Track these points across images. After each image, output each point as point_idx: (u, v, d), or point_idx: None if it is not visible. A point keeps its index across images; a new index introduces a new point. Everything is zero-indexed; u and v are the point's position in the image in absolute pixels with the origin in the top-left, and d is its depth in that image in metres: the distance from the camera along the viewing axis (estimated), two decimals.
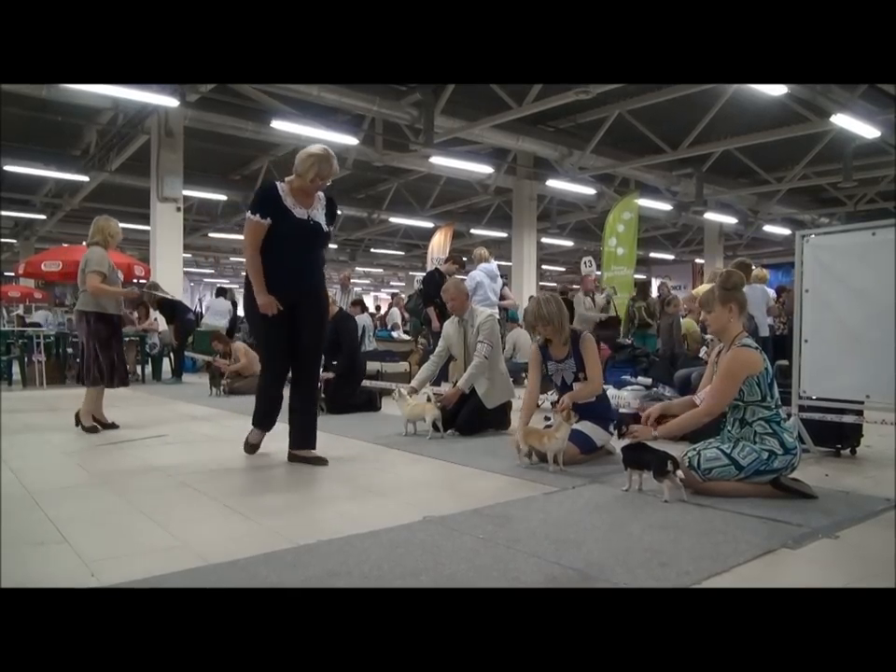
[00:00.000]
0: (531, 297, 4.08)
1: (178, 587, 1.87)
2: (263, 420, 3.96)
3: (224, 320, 10.96)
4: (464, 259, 8.36)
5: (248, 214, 3.64)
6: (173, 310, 9.31)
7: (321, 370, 6.30)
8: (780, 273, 16.89)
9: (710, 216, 16.59)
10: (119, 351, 5.02)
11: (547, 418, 4.44)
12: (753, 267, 6.93)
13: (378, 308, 16.08)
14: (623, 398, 5.21)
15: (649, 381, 5.72)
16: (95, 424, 4.85)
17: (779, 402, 3.10)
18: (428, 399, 4.70)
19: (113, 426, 4.97)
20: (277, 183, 3.76)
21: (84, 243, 5.07)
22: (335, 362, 6.22)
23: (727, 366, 3.03)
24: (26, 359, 8.80)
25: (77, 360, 8.77)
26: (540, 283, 22.29)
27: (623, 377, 5.83)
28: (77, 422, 4.88)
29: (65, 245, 14.78)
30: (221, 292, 11.87)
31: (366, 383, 6.68)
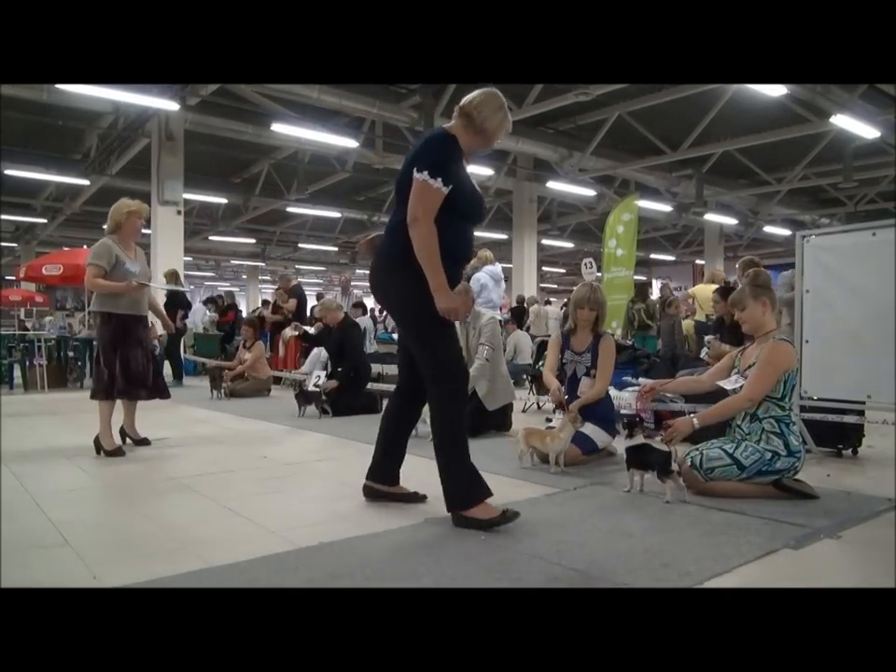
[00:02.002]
0: (583, 283, 4.12)
1: (180, 587, 1.86)
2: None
3: (198, 317, 11.56)
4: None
5: (425, 175, 2.44)
6: (179, 301, 9.26)
7: (324, 376, 6.33)
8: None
9: (710, 217, 16.59)
10: (129, 359, 4.17)
11: (548, 419, 4.45)
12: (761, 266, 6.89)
13: (381, 311, 16.07)
14: (624, 399, 5.20)
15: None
16: (119, 445, 4.17)
17: (792, 406, 3.11)
18: None
19: (145, 441, 4.41)
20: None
21: (85, 247, 4.75)
22: (339, 369, 6.24)
23: (769, 356, 3.02)
24: (27, 363, 8.80)
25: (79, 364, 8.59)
26: (541, 285, 22.30)
27: (624, 378, 5.83)
28: (98, 448, 4.10)
29: (66, 249, 14.81)
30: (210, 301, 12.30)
31: (367, 385, 6.68)
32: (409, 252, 2.50)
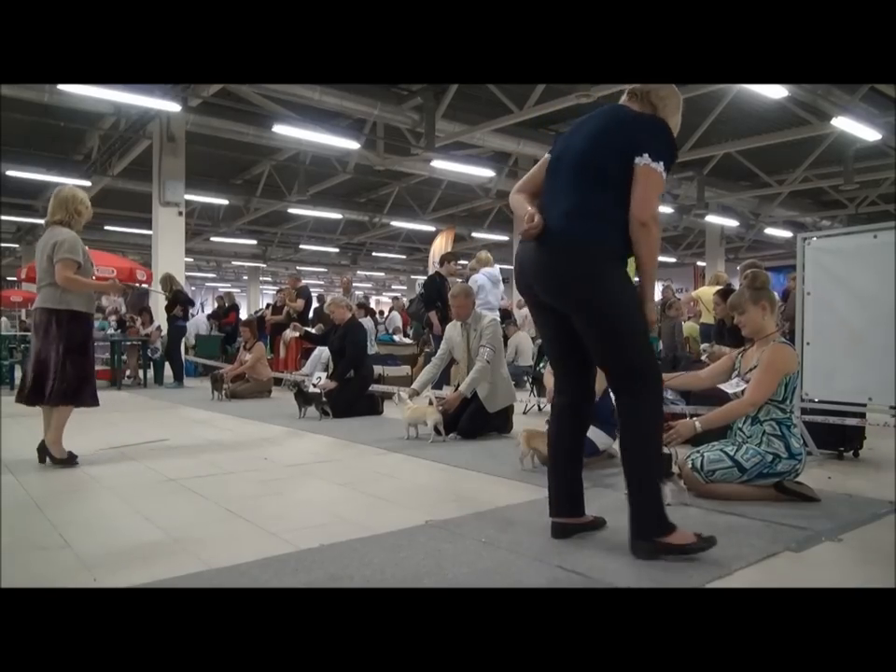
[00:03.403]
0: None
1: (180, 587, 1.86)
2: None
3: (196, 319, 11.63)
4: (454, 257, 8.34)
5: (660, 167, 2.22)
6: (180, 299, 9.23)
7: (325, 377, 6.33)
8: (782, 276, 16.89)
9: (712, 218, 16.58)
10: (92, 361, 3.94)
11: (548, 422, 4.44)
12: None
13: (381, 312, 16.09)
14: None
15: None
16: (72, 451, 3.85)
17: (793, 409, 3.11)
18: (430, 403, 4.69)
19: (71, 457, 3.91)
20: None
21: (44, 221, 3.86)
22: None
23: (770, 360, 3.02)
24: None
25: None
26: None
27: None
28: (44, 456, 3.77)
29: None
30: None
31: (370, 387, 6.68)
32: (626, 246, 2.24)
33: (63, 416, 3.85)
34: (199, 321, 12.28)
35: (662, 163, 2.20)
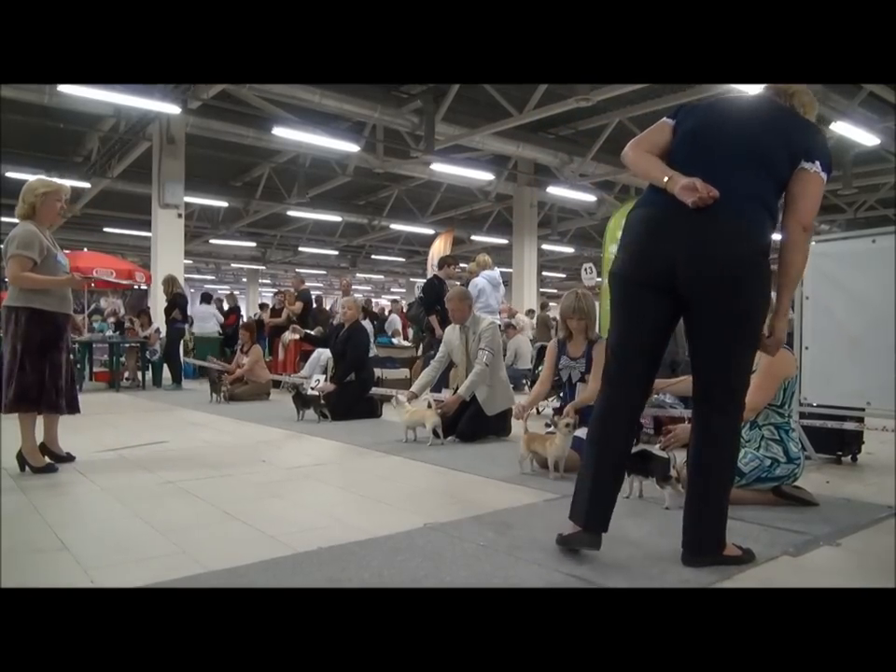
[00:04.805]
0: (568, 293, 4.09)
1: (177, 587, 1.86)
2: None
3: (210, 323, 11.26)
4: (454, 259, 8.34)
5: (821, 171, 2.09)
6: (179, 302, 9.19)
7: (323, 380, 6.33)
8: None
9: None
10: (59, 364, 3.64)
11: (548, 424, 4.44)
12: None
13: (381, 312, 16.08)
14: None
15: None
16: (50, 462, 3.69)
17: (792, 413, 3.10)
18: (429, 406, 4.69)
19: (69, 457, 3.88)
20: None
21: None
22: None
23: (769, 365, 2.98)
24: None
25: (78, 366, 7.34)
26: (541, 289, 22.29)
27: None
28: (23, 464, 3.59)
29: (66, 252, 14.77)
30: (206, 298, 11.96)
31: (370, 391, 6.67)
32: (768, 246, 2.09)
33: (27, 423, 3.59)
34: (205, 315, 11.58)
35: (826, 175, 2.11)
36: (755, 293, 2.07)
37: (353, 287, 11.90)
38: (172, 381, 9.18)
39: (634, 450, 3.03)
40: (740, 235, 2.03)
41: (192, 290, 30.35)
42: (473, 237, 19.38)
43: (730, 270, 2.02)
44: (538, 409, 6.50)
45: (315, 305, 10.70)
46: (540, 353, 6.85)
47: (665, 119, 2.25)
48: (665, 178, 2.05)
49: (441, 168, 11.83)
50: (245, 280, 31.00)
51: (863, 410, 3.94)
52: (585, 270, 12.25)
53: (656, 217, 2.12)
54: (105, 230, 17.94)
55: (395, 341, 11.08)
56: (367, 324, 9.71)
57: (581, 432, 3.64)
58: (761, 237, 2.06)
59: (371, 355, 8.80)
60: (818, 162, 2.08)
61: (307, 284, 11.14)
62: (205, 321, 11.37)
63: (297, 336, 8.59)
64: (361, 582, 1.99)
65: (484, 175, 13.08)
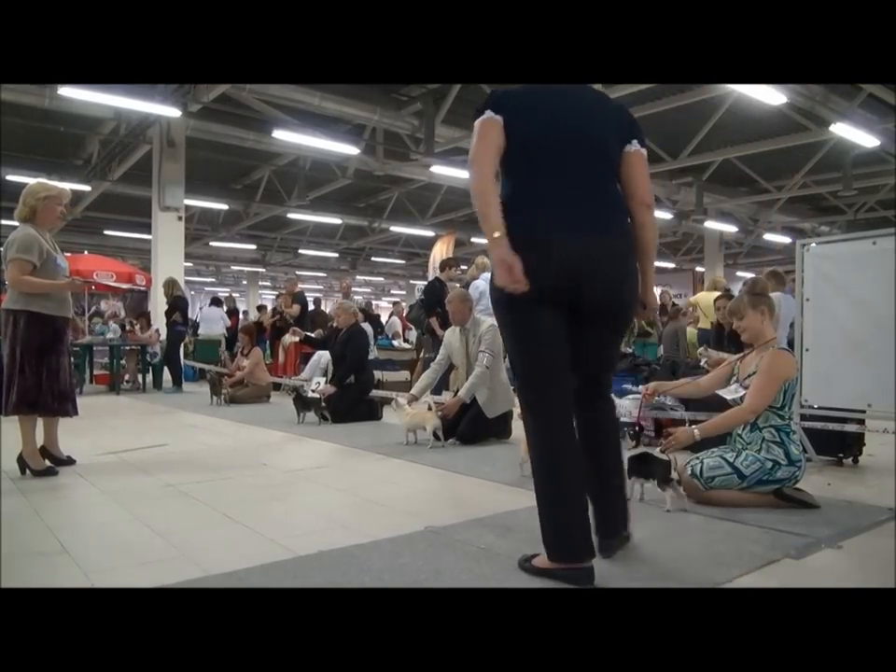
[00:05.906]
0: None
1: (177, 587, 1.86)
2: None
3: (218, 326, 11.17)
4: (457, 261, 8.36)
5: (641, 148, 2.18)
6: (179, 305, 9.18)
7: (323, 382, 6.32)
8: None
9: (710, 224, 16.59)
10: (57, 367, 3.64)
11: None
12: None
13: (378, 318, 16.09)
14: (624, 406, 5.20)
15: None
16: (50, 465, 3.71)
17: (792, 415, 3.10)
18: (429, 408, 4.69)
19: (69, 460, 3.90)
20: None
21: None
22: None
23: (770, 366, 3.00)
24: None
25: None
26: None
27: (625, 386, 5.82)
28: (23, 467, 3.62)
29: (67, 255, 14.79)
30: (216, 301, 11.92)
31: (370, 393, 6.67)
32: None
33: (27, 426, 3.61)
34: (212, 318, 11.38)
35: (645, 151, 2.18)
36: (634, 289, 2.18)
37: (353, 289, 11.89)
38: (172, 383, 9.18)
39: (635, 452, 3.04)
40: (624, 252, 2.10)
41: (193, 293, 30.42)
42: (473, 239, 19.37)
43: (624, 283, 2.11)
44: None
45: (313, 307, 10.71)
46: None
47: (490, 114, 2.09)
48: (496, 234, 1.92)
49: (441, 170, 11.82)
50: (245, 283, 31.01)
51: (864, 412, 3.93)
52: None
53: (567, 248, 2.00)
54: (106, 232, 17.95)
55: (395, 343, 11.08)
56: (367, 326, 9.73)
57: None
58: (631, 241, 2.13)
59: (371, 357, 8.81)
60: (635, 141, 2.15)
61: (305, 286, 11.15)
62: (214, 323, 11.28)
63: (297, 338, 8.59)
64: (361, 585, 1.99)
65: None
